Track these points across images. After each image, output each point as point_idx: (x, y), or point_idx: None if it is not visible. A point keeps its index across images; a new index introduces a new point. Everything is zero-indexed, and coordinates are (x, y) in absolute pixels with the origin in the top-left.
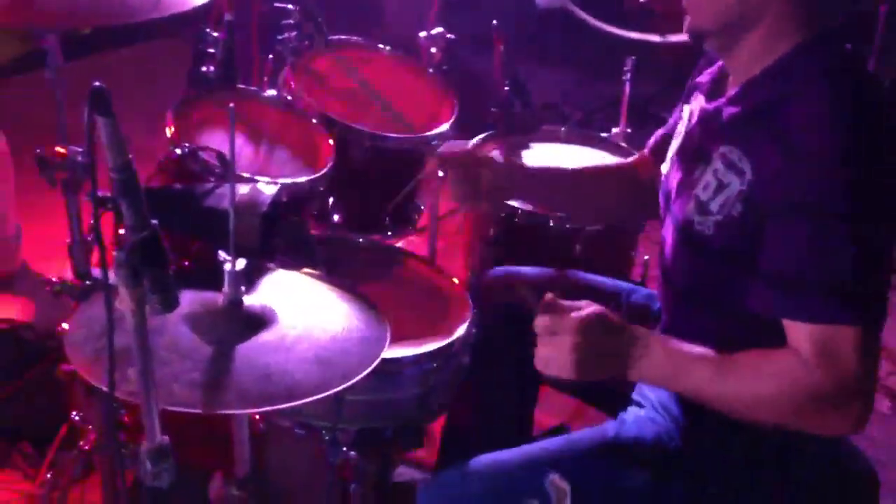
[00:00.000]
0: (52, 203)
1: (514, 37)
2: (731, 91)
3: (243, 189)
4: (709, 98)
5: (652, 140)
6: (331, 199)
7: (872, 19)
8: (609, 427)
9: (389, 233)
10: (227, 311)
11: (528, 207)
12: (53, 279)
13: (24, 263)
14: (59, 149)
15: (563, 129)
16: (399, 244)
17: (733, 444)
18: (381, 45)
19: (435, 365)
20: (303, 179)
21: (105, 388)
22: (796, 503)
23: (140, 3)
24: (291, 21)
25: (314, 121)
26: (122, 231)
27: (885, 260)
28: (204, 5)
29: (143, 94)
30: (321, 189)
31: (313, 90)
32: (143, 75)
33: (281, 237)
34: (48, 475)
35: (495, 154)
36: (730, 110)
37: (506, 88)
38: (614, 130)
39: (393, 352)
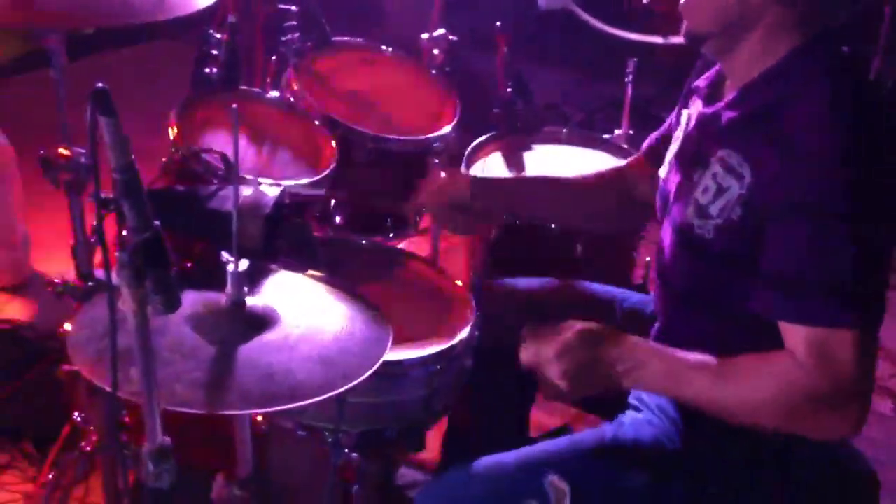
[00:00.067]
0: (56, 203)
1: (515, 37)
2: (730, 95)
3: (246, 191)
4: (707, 102)
5: (646, 143)
6: (333, 201)
7: (877, 20)
8: (607, 429)
9: (391, 234)
10: (230, 311)
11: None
12: (56, 280)
13: (32, 272)
14: (62, 150)
15: (564, 130)
16: (401, 246)
17: (732, 445)
18: (383, 47)
19: (438, 367)
20: (305, 181)
21: (107, 389)
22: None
23: (144, 4)
24: (294, 22)
25: (317, 122)
26: (124, 232)
27: (884, 260)
28: (208, 7)
29: (145, 95)
30: (325, 191)
31: (316, 91)
32: (146, 76)
33: (284, 239)
34: (50, 476)
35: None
36: (728, 114)
37: (508, 89)
38: (616, 132)
39: (395, 354)
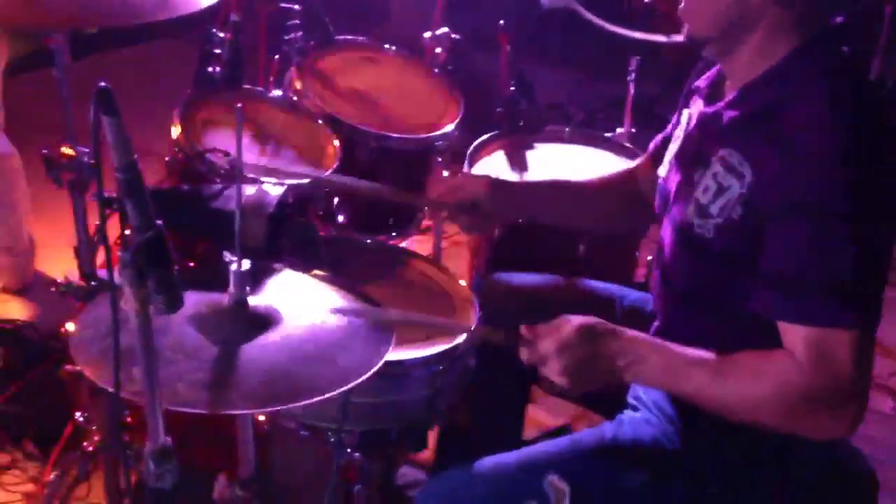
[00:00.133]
0: (59, 203)
1: (518, 36)
2: (730, 95)
3: (249, 190)
4: (707, 102)
5: (652, 145)
6: (336, 200)
7: (878, 19)
8: (606, 429)
9: (394, 233)
10: (233, 311)
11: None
12: (59, 280)
13: (36, 274)
14: (65, 149)
15: (566, 129)
16: (404, 245)
17: (731, 444)
18: (386, 45)
19: (441, 367)
20: (308, 180)
21: (110, 389)
22: (795, 503)
23: (147, 4)
24: (297, 21)
25: (320, 121)
26: (127, 231)
27: (883, 261)
28: (211, 6)
29: (148, 95)
30: (326, 189)
31: (319, 90)
32: (149, 75)
33: (287, 238)
34: (52, 475)
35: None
36: (729, 114)
37: (511, 88)
38: (618, 130)
39: (398, 353)
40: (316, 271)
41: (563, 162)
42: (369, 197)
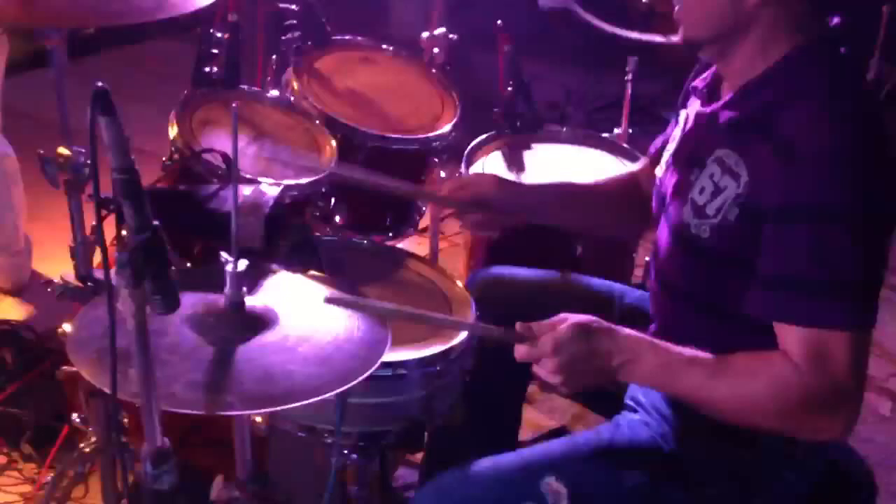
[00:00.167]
0: (55, 203)
1: (516, 36)
2: (727, 96)
3: (246, 190)
4: (705, 102)
5: (652, 148)
6: (333, 200)
7: (876, 19)
8: (604, 430)
9: (391, 234)
10: (229, 312)
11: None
12: (55, 280)
13: (33, 275)
14: (62, 150)
15: (564, 129)
16: (401, 245)
17: (729, 446)
18: (383, 46)
19: (437, 368)
20: (306, 181)
21: (107, 390)
22: None
23: (144, 4)
24: (295, 21)
25: (317, 122)
26: (124, 232)
27: (880, 262)
28: (208, 6)
29: (145, 95)
30: (323, 190)
31: (316, 91)
32: (147, 75)
33: (283, 238)
34: (49, 477)
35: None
36: (726, 114)
37: (508, 88)
38: (616, 131)
39: (395, 354)
40: (312, 272)
41: (560, 162)
42: (379, 190)
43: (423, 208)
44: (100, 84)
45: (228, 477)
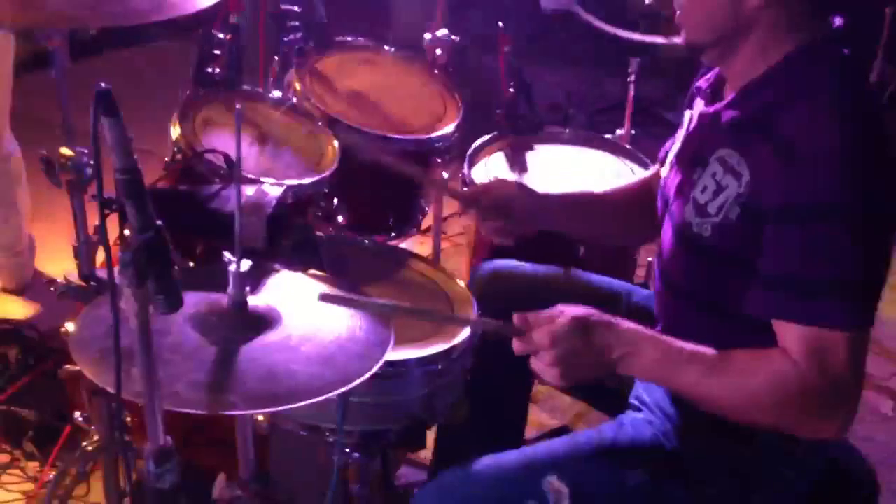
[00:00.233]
0: (58, 203)
1: (518, 38)
2: (730, 96)
3: (249, 190)
4: (708, 102)
5: (662, 152)
6: (335, 201)
7: (879, 21)
8: (606, 429)
9: (393, 234)
10: (232, 312)
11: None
12: (58, 280)
13: (36, 274)
14: (64, 150)
15: (566, 130)
16: (403, 245)
17: (731, 445)
18: (385, 47)
19: (439, 367)
20: (308, 181)
21: (110, 389)
22: None
23: (146, 5)
24: (297, 23)
25: (319, 122)
26: (127, 232)
27: (882, 262)
28: (210, 7)
29: (148, 95)
30: (326, 190)
31: (318, 91)
32: (149, 76)
33: (286, 238)
34: (51, 475)
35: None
36: (728, 114)
37: (511, 90)
38: (618, 132)
39: (397, 354)
40: (314, 272)
41: (562, 163)
42: (405, 177)
43: (426, 208)
44: (102, 85)
45: (231, 476)
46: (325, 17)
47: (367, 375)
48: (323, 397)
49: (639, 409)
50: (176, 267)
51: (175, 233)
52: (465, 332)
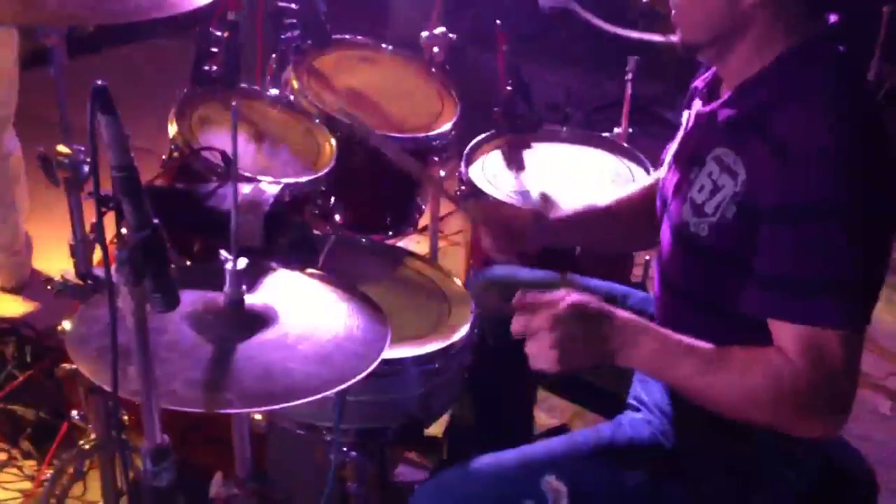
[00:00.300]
0: (55, 201)
1: (516, 36)
2: (726, 95)
3: (246, 188)
4: (705, 101)
5: (664, 156)
6: (332, 199)
7: (876, 19)
8: (605, 429)
9: (391, 232)
10: (229, 310)
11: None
12: (55, 278)
13: (33, 273)
14: (61, 148)
15: (564, 128)
16: (400, 244)
17: (730, 445)
18: (383, 45)
19: (436, 365)
20: (305, 179)
21: (106, 388)
22: None
23: (144, 2)
24: (294, 20)
25: (317, 120)
26: (123, 230)
27: (878, 262)
28: (208, 5)
29: (145, 93)
30: (323, 189)
31: (316, 90)
32: (146, 74)
33: (283, 236)
34: (48, 474)
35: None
36: (724, 113)
37: (508, 88)
38: (616, 130)
39: (394, 352)
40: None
41: (560, 161)
42: (405, 171)
43: (423, 207)
44: (99, 82)
45: (227, 474)
46: (322, 14)
47: (364, 374)
48: (320, 396)
49: (637, 410)
50: (173, 265)
51: (172, 231)
52: (463, 331)
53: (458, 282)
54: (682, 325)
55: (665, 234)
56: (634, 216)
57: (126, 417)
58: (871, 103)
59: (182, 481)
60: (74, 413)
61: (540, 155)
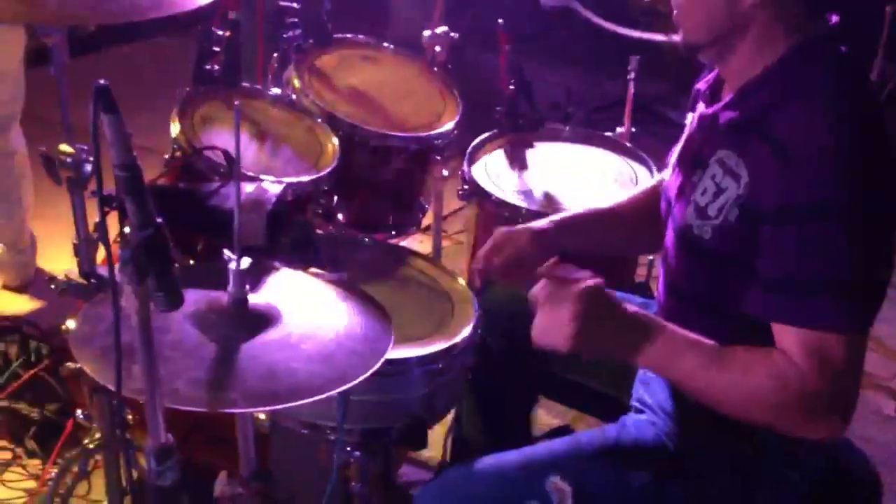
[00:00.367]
0: (58, 200)
1: (518, 35)
2: (728, 97)
3: (248, 188)
4: (707, 104)
5: (669, 157)
6: (335, 199)
7: (879, 19)
8: (610, 430)
9: (394, 232)
10: (232, 309)
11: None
12: (59, 277)
13: (37, 272)
14: (64, 147)
15: (566, 128)
16: (404, 244)
17: (734, 446)
18: (385, 44)
19: (440, 365)
20: (307, 178)
21: (110, 387)
22: None
23: (145, 1)
24: (296, 19)
25: (319, 120)
26: (127, 229)
27: (881, 262)
28: (209, 4)
29: (147, 92)
30: (326, 188)
31: (317, 89)
32: (148, 73)
33: (286, 236)
34: (53, 473)
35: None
36: (726, 115)
37: (511, 87)
38: (618, 130)
39: (397, 352)
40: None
41: (562, 161)
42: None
43: (427, 206)
44: (101, 81)
45: (231, 474)
46: (324, 13)
47: (368, 374)
48: (323, 395)
49: (641, 412)
50: (176, 264)
51: (175, 230)
52: (467, 331)
53: (462, 282)
54: (686, 327)
55: (669, 236)
56: (638, 219)
57: (130, 417)
58: (872, 103)
59: (186, 481)
60: (79, 412)
61: (542, 154)
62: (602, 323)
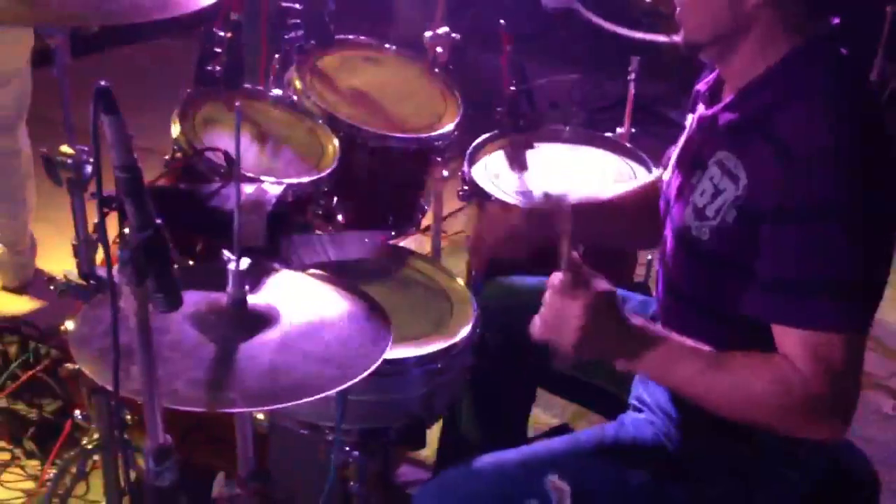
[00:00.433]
0: (58, 201)
1: (519, 36)
2: (728, 98)
3: (249, 189)
4: (707, 105)
5: (666, 157)
6: (335, 199)
7: (880, 20)
8: (608, 428)
9: (393, 232)
10: (231, 310)
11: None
12: (58, 278)
13: (37, 272)
14: (64, 148)
15: (566, 128)
16: (403, 244)
17: (733, 445)
18: (386, 45)
19: (439, 365)
20: (307, 179)
21: (109, 387)
22: None
23: (147, 2)
24: (298, 20)
25: (320, 121)
26: (126, 230)
27: (880, 263)
28: (211, 5)
29: (148, 93)
30: (326, 189)
31: (319, 90)
32: (149, 74)
33: (285, 236)
34: (51, 473)
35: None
36: (726, 116)
37: (512, 88)
38: (619, 130)
39: (396, 352)
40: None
41: (563, 161)
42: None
43: (426, 206)
44: (102, 82)
45: (230, 474)
46: (326, 14)
47: (366, 374)
48: (322, 395)
49: (640, 410)
50: (175, 265)
51: (175, 231)
52: (466, 331)
53: (461, 281)
54: (685, 327)
55: (668, 237)
56: (637, 211)
57: (129, 417)
58: (873, 103)
59: (184, 481)
60: (77, 413)
61: (543, 155)
62: (607, 330)
